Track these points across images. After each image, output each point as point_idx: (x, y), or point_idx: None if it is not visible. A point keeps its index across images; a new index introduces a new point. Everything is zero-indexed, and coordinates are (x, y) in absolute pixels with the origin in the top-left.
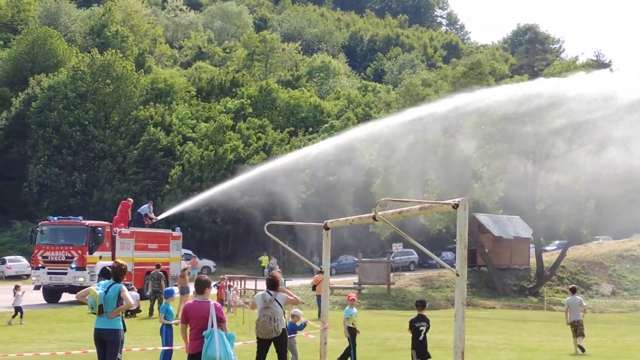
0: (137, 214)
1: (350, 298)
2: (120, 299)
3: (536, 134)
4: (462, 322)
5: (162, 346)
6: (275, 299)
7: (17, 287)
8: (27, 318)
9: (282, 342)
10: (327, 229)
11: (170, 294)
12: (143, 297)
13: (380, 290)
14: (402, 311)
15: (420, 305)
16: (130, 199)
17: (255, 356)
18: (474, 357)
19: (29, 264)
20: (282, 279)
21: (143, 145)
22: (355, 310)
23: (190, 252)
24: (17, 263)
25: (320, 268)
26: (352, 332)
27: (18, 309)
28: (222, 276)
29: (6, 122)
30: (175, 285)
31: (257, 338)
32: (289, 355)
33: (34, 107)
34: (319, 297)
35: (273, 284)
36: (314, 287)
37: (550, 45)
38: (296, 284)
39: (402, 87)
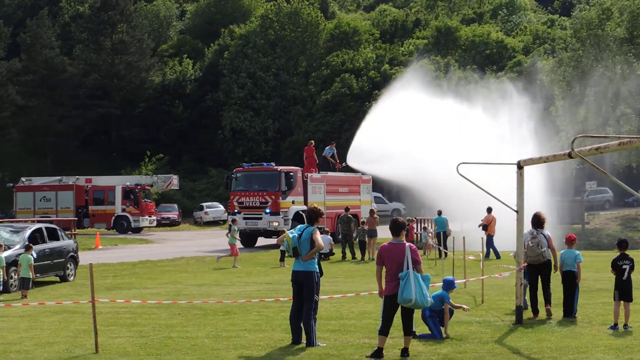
0: (322, 157)
1: (569, 239)
2: (312, 241)
3: None
4: None
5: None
6: (542, 234)
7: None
8: (225, 262)
9: (548, 271)
10: (520, 167)
11: (450, 286)
12: (336, 241)
13: (574, 230)
14: (598, 251)
15: (623, 244)
16: (311, 142)
17: (529, 281)
18: None
19: (225, 210)
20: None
21: (333, 90)
22: (575, 252)
23: (380, 195)
24: (214, 209)
25: (515, 208)
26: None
27: (282, 252)
28: (409, 218)
29: (200, 72)
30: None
31: (527, 265)
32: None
33: (226, 56)
34: (489, 238)
35: (539, 222)
36: (484, 227)
37: None
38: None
39: (576, 23)
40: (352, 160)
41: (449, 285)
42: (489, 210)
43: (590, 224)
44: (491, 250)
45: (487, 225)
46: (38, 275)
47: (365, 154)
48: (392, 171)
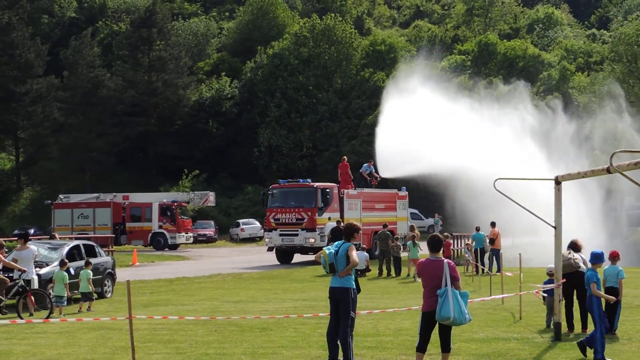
0: (359, 174)
1: (612, 255)
2: (348, 257)
3: None
4: None
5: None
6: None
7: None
8: (261, 278)
9: (580, 279)
10: (558, 183)
11: (597, 259)
12: (372, 257)
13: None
14: (637, 267)
15: None
16: (344, 158)
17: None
18: None
19: (261, 227)
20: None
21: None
22: (617, 268)
23: (416, 211)
24: (250, 226)
25: (553, 224)
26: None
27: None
28: (446, 234)
29: (236, 90)
30: (404, 245)
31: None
32: None
33: (260, 76)
34: (495, 251)
35: (577, 247)
36: (491, 241)
37: None
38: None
39: (615, 38)
40: (383, 166)
41: (596, 258)
42: (493, 224)
43: (630, 238)
44: (495, 263)
45: (494, 240)
46: (75, 291)
47: (394, 157)
48: (428, 168)
